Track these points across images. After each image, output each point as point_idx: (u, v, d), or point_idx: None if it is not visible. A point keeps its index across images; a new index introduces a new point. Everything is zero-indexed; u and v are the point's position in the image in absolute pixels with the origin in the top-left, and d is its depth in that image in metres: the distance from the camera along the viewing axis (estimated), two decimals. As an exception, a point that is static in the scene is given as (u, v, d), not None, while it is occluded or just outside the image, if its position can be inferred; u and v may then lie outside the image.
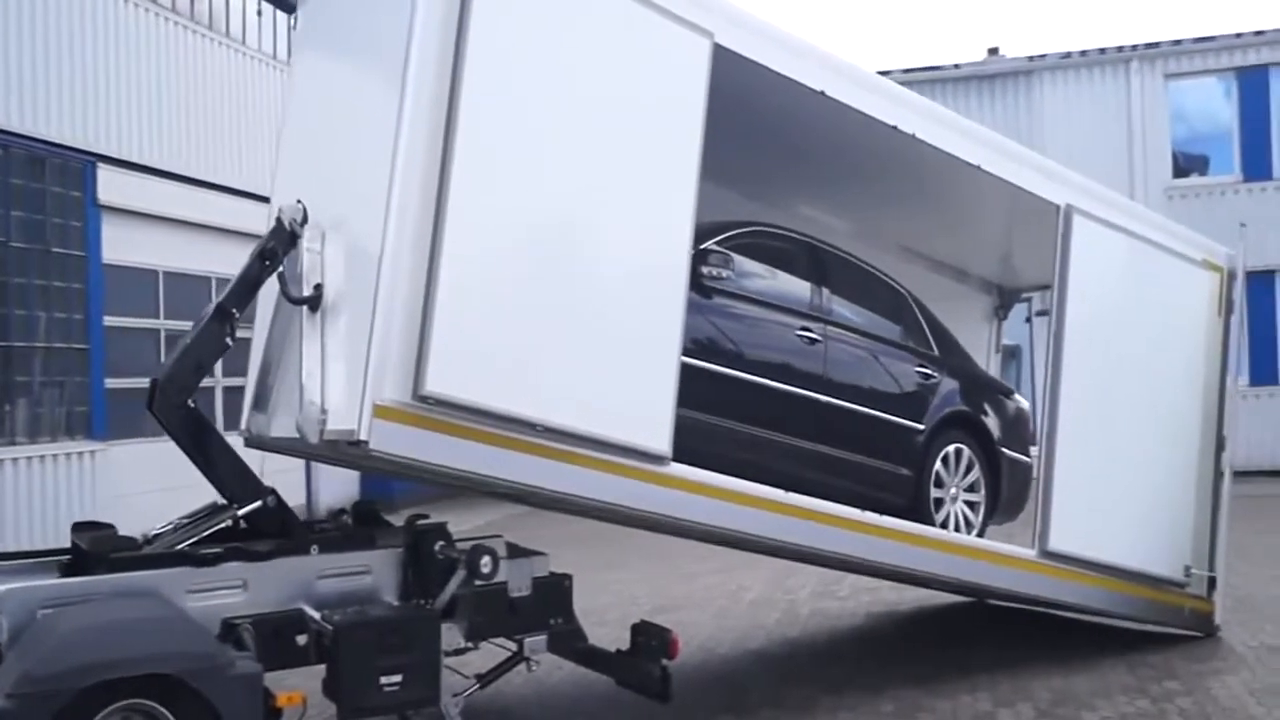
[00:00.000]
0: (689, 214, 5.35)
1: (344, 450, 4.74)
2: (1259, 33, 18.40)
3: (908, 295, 7.74)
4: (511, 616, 5.42)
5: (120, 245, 12.16)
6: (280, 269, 5.15)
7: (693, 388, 5.45)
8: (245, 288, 5.29)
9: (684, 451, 5.34)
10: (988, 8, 58.88)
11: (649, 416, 5.20)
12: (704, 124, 5.35)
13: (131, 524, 5.56)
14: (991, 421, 7.75)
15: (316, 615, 4.86)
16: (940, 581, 7.21)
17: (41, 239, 11.21)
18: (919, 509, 7.00)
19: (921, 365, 7.37)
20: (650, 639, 5.62)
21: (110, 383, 11.97)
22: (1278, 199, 18.11)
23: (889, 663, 7.36)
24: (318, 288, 4.91)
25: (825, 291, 6.93)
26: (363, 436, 4.40)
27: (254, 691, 4.37)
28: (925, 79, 18.85)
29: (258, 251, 5.23)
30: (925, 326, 7.71)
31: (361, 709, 4.74)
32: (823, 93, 5.94)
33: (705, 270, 5.96)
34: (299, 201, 5.16)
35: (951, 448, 7.32)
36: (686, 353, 5.42)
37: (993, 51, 20.45)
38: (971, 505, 7.45)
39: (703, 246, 5.87)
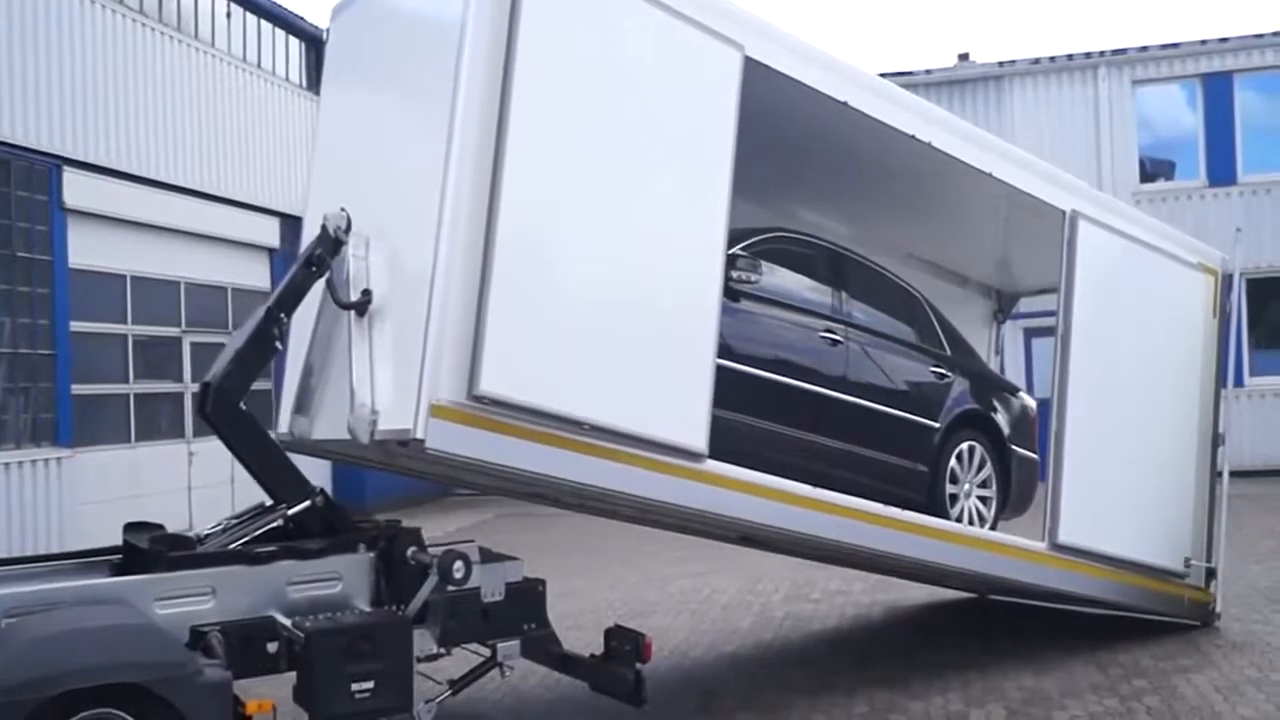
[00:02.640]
0: (722, 220, 5.51)
1: (392, 450, 4.87)
2: (1223, 39, 18.65)
3: (921, 298, 7.90)
4: (484, 622, 5.40)
5: (87, 249, 12.04)
6: (328, 274, 5.26)
7: (723, 388, 5.56)
8: (293, 293, 5.37)
9: (716, 450, 5.47)
10: (958, 13, 59.42)
11: (687, 415, 5.36)
12: (735, 133, 5.50)
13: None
14: (1001, 419, 7.90)
15: (287, 622, 4.82)
16: (957, 575, 7.33)
17: (6, 243, 11.08)
18: (935, 504, 7.14)
19: (935, 365, 7.52)
20: (624, 643, 5.62)
21: (77, 389, 11.84)
22: (1241, 204, 18.34)
23: (862, 664, 7.39)
24: (366, 293, 5.07)
25: (845, 295, 7.10)
26: (419, 435, 4.53)
27: (223, 699, 4.32)
28: (896, 84, 18.90)
29: (304, 258, 5.33)
30: (938, 328, 7.86)
31: (333, 716, 4.69)
32: (846, 104, 6.08)
33: (733, 275, 6.05)
34: (343, 209, 5.26)
35: (965, 445, 7.47)
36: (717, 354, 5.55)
37: (963, 57, 20.60)
38: (984, 500, 7.59)
39: (730, 252, 5.94)
